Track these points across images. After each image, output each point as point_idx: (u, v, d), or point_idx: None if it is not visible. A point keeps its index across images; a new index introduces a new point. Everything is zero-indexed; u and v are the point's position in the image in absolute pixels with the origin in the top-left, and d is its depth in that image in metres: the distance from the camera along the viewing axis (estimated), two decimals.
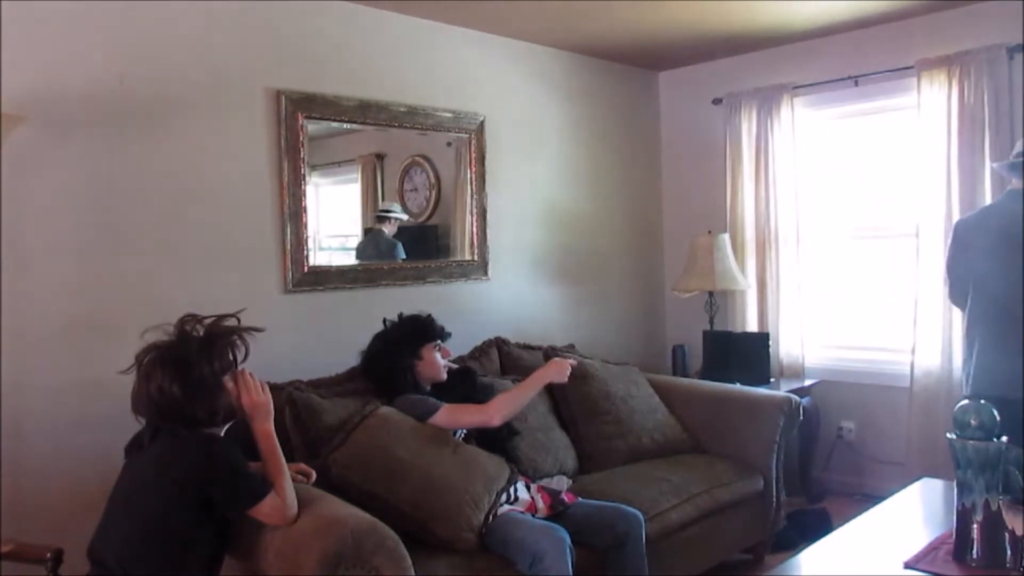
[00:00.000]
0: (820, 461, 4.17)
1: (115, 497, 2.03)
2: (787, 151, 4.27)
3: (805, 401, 3.65)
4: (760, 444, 3.29)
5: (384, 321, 2.90)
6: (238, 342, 2.09)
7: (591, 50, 4.32)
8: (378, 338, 2.87)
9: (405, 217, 3.70)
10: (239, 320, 2.10)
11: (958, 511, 1.93)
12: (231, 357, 2.08)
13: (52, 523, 2.49)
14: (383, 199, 3.66)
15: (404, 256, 3.63)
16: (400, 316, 2.91)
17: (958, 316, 3.69)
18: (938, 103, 3.74)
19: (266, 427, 2.11)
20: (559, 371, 2.80)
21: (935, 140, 3.75)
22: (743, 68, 4.46)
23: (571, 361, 2.86)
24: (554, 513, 2.59)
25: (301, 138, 3.18)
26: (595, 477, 3.06)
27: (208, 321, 2.08)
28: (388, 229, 3.63)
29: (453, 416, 2.66)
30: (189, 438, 1.98)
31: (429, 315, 2.91)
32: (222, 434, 2.10)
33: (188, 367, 1.97)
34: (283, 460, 2.11)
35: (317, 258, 3.30)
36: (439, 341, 2.87)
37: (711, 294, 4.27)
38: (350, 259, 3.54)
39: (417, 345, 2.81)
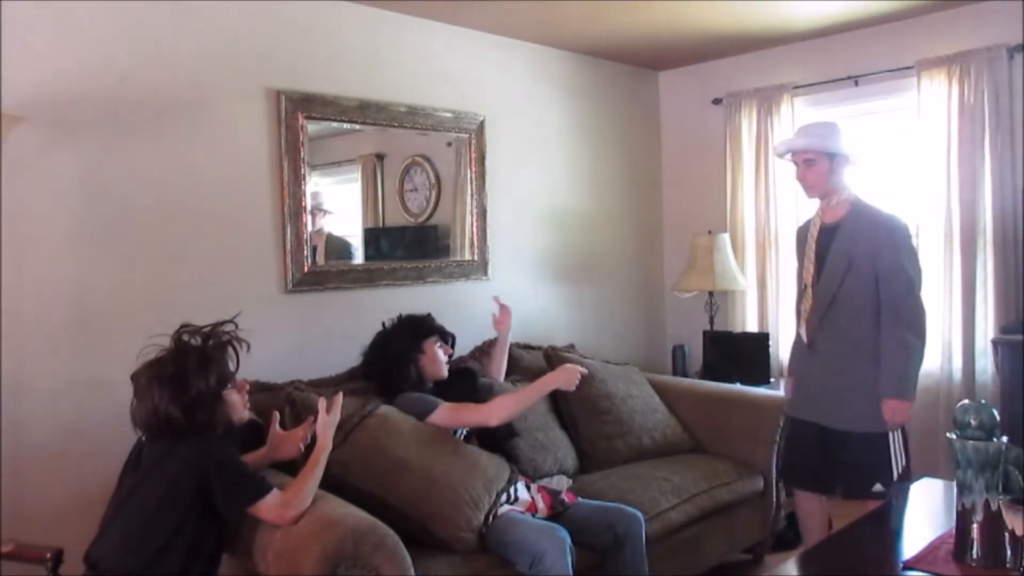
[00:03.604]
0: None
1: (113, 501, 2.04)
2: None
3: None
4: (760, 444, 3.29)
5: (383, 324, 2.93)
6: (233, 352, 2.09)
7: (591, 50, 4.32)
8: (380, 336, 2.90)
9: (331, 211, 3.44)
10: (236, 325, 2.11)
11: (958, 511, 1.93)
12: (228, 370, 2.08)
13: (52, 523, 2.49)
14: (382, 199, 3.65)
15: (354, 257, 3.48)
16: (400, 316, 2.94)
17: (958, 316, 3.70)
18: (938, 103, 3.74)
19: (328, 443, 2.23)
20: (568, 378, 2.73)
21: (935, 140, 3.75)
22: (743, 68, 4.46)
23: (582, 370, 2.78)
24: (554, 513, 2.59)
25: (301, 138, 3.18)
26: (595, 477, 3.06)
27: (206, 330, 2.08)
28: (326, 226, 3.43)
29: (452, 414, 2.66)
30: (187, 439, 1.99)
31: (428, 314, 2.95)
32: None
33: (186, 385, 1.97)
34: (321, 467, 2.16)
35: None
36: (440, 338, 2.89)
37: (711, 294, 4.27)
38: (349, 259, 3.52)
39: (419, 339, 2.84)
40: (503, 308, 3.28)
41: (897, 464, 2.76)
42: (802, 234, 3.00)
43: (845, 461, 2.82)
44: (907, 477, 2.74)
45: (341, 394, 2.37)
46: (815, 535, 2.91)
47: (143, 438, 2.08)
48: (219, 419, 2.04)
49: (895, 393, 2.69)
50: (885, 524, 2.27)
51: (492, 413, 2.66)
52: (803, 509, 3.02)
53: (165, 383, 1.97)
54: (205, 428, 2.01)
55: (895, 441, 2.77)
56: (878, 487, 2.76)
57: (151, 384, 1.98)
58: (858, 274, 2.74)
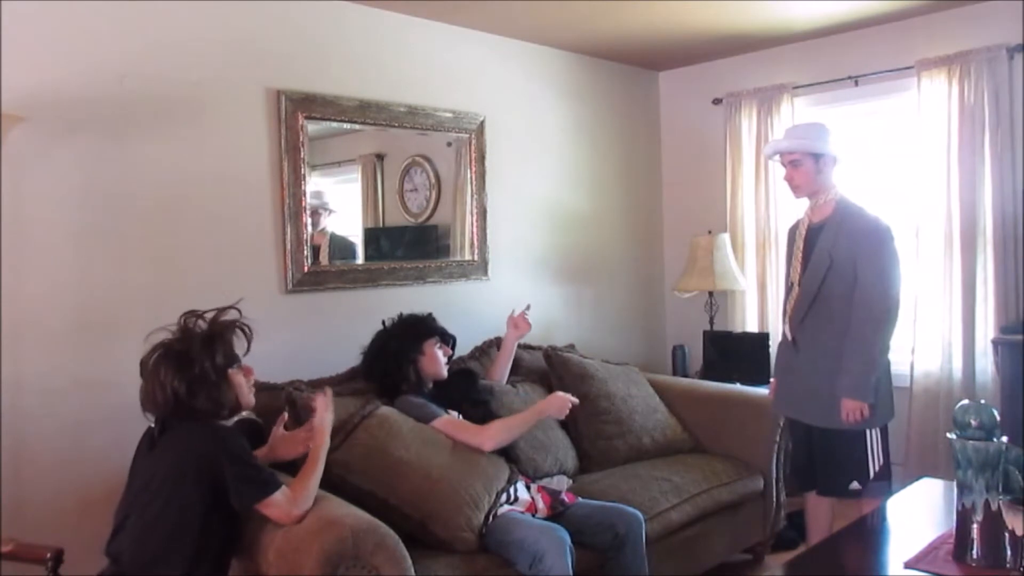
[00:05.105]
0: None
1: (128, 493, 2.05)
2: None
3: None
4: (760, 444, 3.29)
5: (383, 323, 2.94)
6: (239, 335, 2.11)
7: (591, 50, 4.32)
8: (380, 336, 2.91)
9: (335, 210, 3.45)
10: (240, 312, 2.12)
11: (958, 511, 1.93)
12: (234, 350, 2.10)
13: (52, 523, 2.50)
14: (382, 199, 3.65)
15: (357, 257, 3.49)
16: (400, 315, 2.94)
17: (958, 316, 3.70)
18: (938, 103, 3.74)
19: (327, 441, 2.24)
20: (560, 407, 2.75)
21: (935, 140, 3.75)
22: (743, 68, 4.46)
23: (573, 399, 2.79)
24: (554, 513, 2.59)
25: (301, 138, 3.18)
26: (595, 477, 3.06)
27: (210, 316, 2.10)
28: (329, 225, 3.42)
29: (450, 429, 2.66)
30: (202, 427, 2.00)
31: (429, 313, 2.95)
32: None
33: (190, 362, 2.00)
34: (322, 465, 2.16)
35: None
36: (440, 339, 2.89)
37: (711, 294, 4.27)
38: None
39: (420, 340, 2.84)
40: (523, 316, 3.27)
41: (874, 463, 2.77)
42: (792, 233, 3.02)
43: (823, 458, 2.84)
44: (884, 476, 2.75)
45: (330, 391, 2.37)
46: (821, 535, 2.90)
47: (154, 426, 2.08)
48: (225, 400, 2.05)
49: (851, 393, 2.70)
50: (884, 524, 2.27)
51: (487, 439, 2.64)
52: (810, 508, 3.02)
53: (171, 360, 2.00)
54: (211, 409, 2.02)
55: (873, 440, 2.78)
56: (855, 485, 2.78)
57: (158, 363, 2.00)
58: (839, 273, 2.75)
